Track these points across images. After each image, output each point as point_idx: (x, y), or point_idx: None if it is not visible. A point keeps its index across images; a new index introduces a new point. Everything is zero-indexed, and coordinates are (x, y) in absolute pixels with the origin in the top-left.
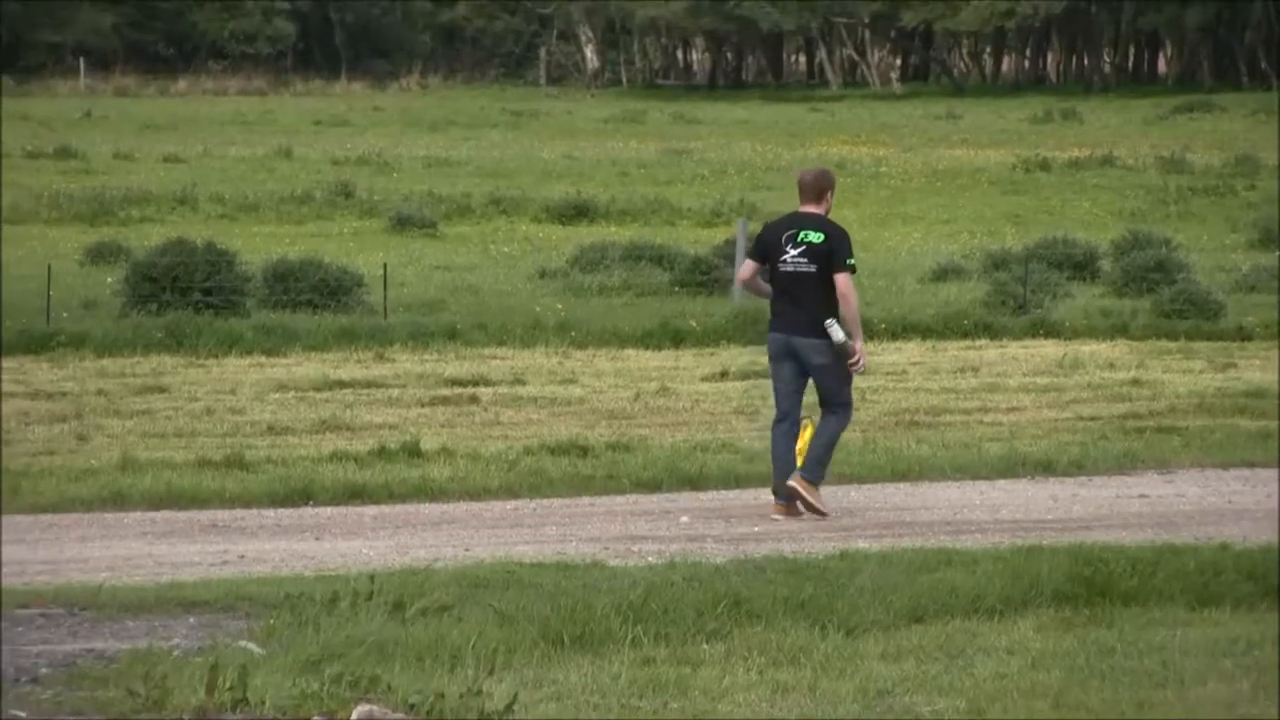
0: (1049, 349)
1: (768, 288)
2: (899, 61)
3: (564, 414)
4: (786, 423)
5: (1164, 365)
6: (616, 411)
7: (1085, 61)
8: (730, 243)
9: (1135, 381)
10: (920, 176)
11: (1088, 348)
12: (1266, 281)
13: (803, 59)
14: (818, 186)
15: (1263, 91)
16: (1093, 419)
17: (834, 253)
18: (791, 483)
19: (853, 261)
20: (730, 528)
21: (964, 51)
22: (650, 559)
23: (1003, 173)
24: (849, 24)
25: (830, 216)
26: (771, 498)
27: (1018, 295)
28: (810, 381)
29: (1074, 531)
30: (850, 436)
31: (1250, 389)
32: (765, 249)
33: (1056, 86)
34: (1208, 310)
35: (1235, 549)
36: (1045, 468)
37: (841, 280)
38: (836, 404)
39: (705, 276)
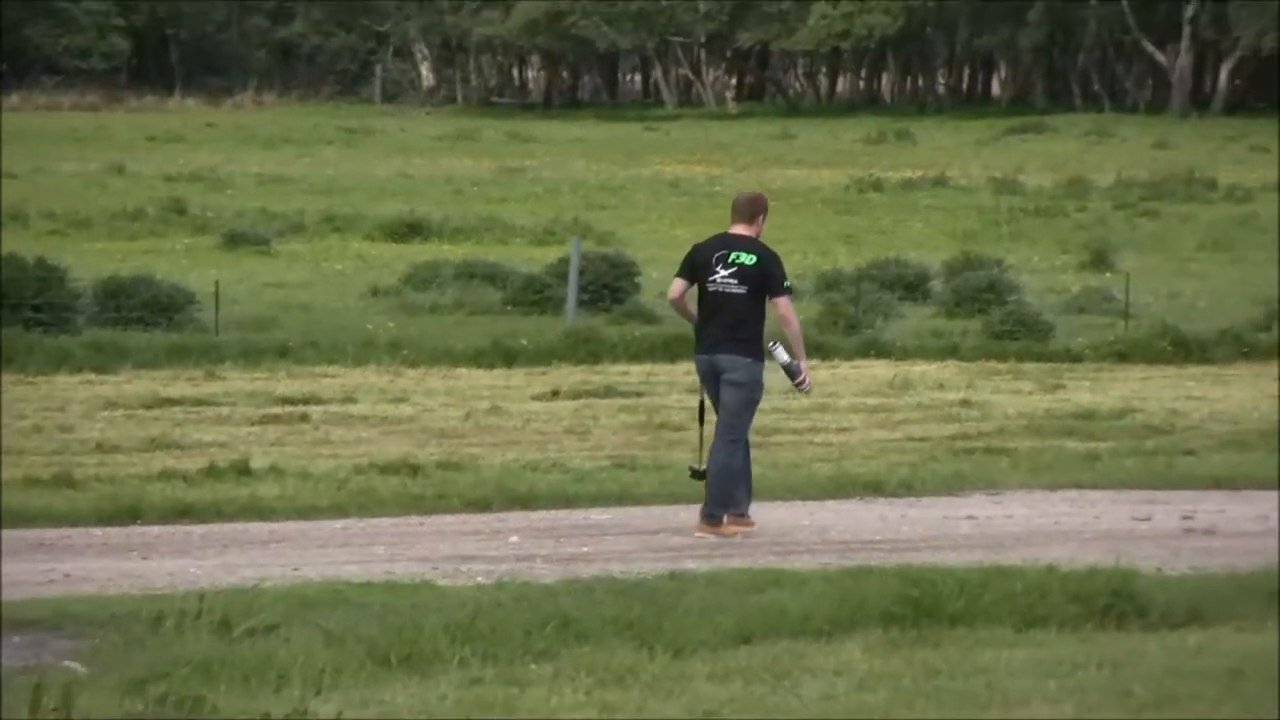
0: (880, 369)
1: (694, 312)
2: (734, 81)
3: (395, 433)
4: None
5: (994, 386)
6: (447, 430)
7: (919, 82)
8: (564, 261)
9: (965, 402)
10: None
11: (918, 368)
12: (1096, 303)
13: (638, 78)
14: (751, 209)
15: (1095, 113)
16: (922, 440)
17: (768, 276)
18: (698, 533)
19: (789, 284)
20: (559, 548)
21: (799, 71)
22: (479, 579)
23: (836, 193)
24: (685, 43)
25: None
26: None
27: (849, 315)
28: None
29: (902, 553)
30: (681, 456)
31: (1079, 411)
32: (694, 268)
33: (891, 107)
34: (1038, 332)
35: (1062, 571)
36: (874, 488)
37: (782, 303)
38: (730, 436)
39: (538, 295)
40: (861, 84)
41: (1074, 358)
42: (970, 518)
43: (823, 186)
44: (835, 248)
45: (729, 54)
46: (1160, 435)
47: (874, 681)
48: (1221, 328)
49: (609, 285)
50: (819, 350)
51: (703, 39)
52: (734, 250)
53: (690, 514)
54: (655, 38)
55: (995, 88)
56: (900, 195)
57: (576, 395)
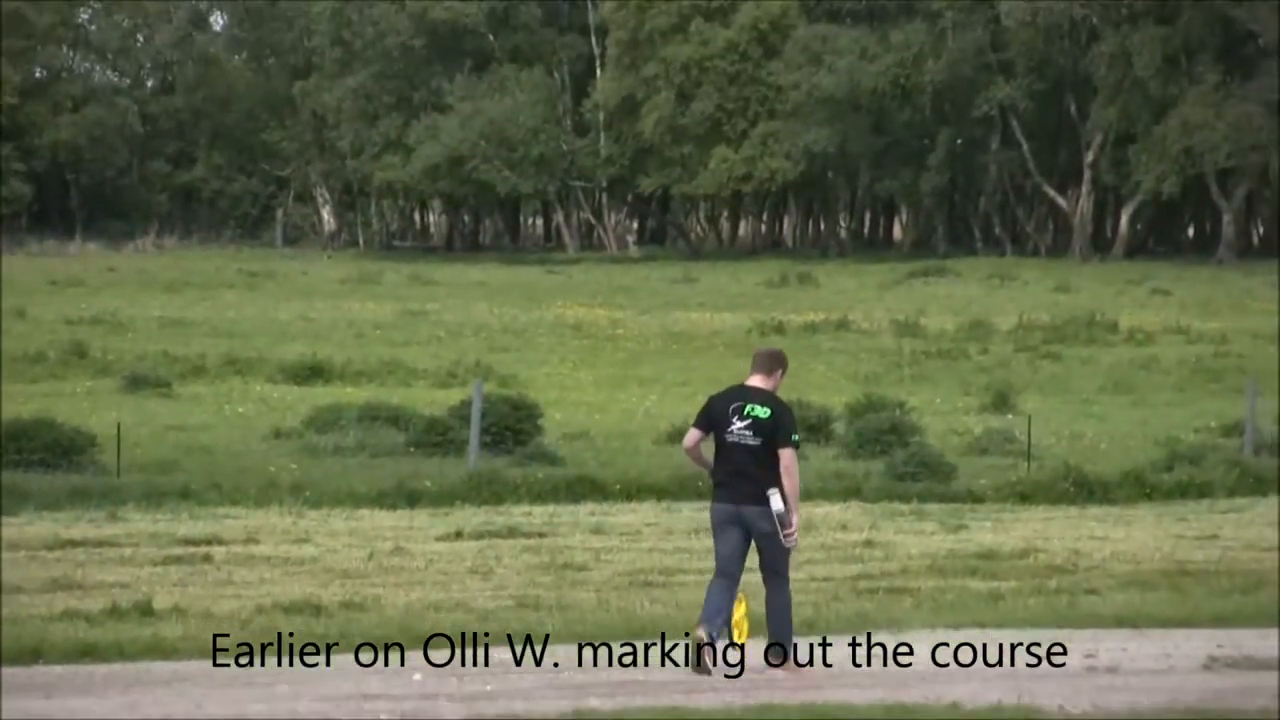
0: None
1: (709, 460)
2: (636, 225)
3: (297, 573)
4: (728, 580)
5: (896, 527)
6: (350, 571)
7: (821, 226)
8: (466, 403)
9: (868, 543)
10: (656, 339)
11: (821, 509)
12: (998, 445)
13: (540, 222)
14: (770, 363)
15: (997, 257)
16: (826, 579)
17: (778, 428)
18: (775, 670)
19: (797, 438)
20: (463, 686)
21: (701, 215)
22: (382, 717)
23: (739, 335)
24: (586, 188)
25: (777, 393)
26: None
27: None
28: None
29: (806, 691)
30: (584, 597)
31: (981, 550)
32: (711, 419)
33: (793, 250)
34: (940, 473)
35: (965, 708)
36: None
37: (786, 455)
38: (776, 575)
39: (441, 437)
40: (763, 228)
41: (976, 498)
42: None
43: (725, 329)
44: None
45: (630, 198)
46: (1062, 575)
47: None
48: (1123, 469)
49: (511, 427)
50: None
51: (604, 184)
52: (749, 403)
53: (593, 653)
54: (556, 182)
55: (897, 231)
56: (803, 338)
57: (479, 536)
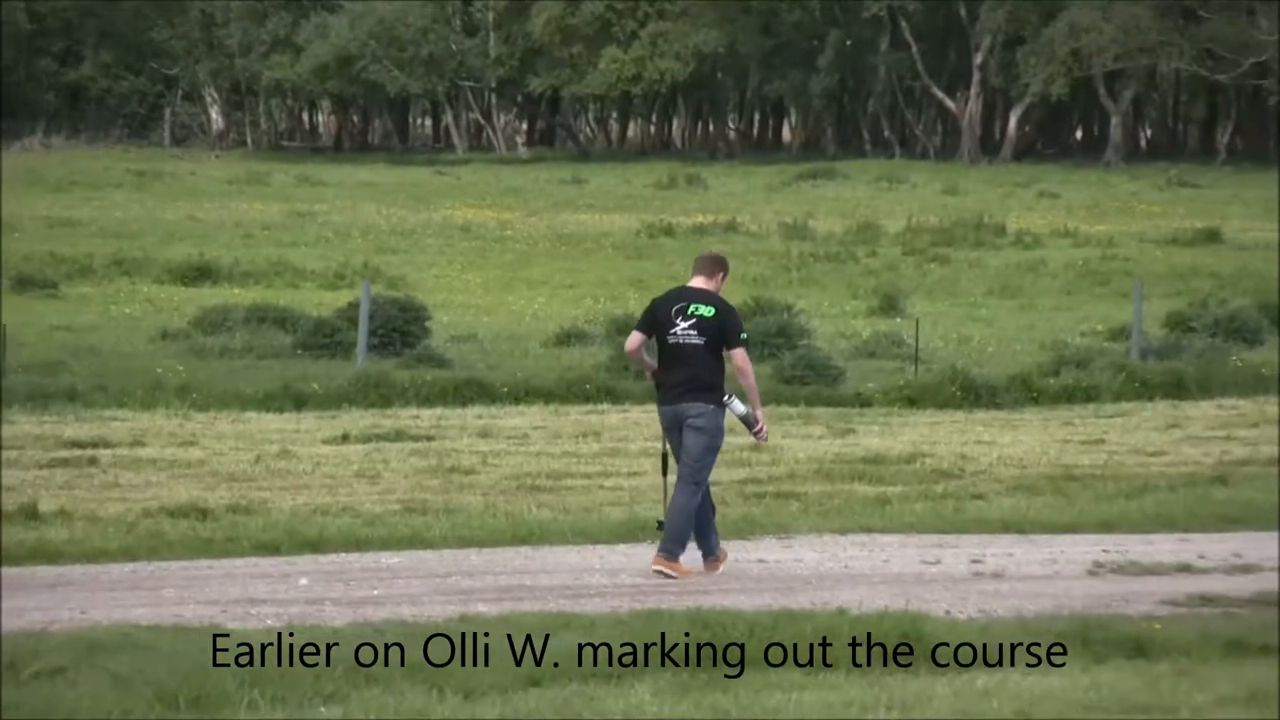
0: None
1: (652, 363)
2: (525, 126)
3: (184, 476)
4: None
5: (784, 431)
6: (237, 474)
7: (710, 128)
8: (354, 305)
9: (755, 447)
10: (545, 241)
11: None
12: (886, 349)
13: (429, 122)
14: (712, 266)
15: (885, 159)
16: (712, 484)
17: (725, 327)
18: (655, 566)
19: (745, 335)
20: (350, 591)
21: (590, 117)
22: (269, 622)
23: (627, 238)
24: (475, 88)
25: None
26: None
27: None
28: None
29: (693, 596)
30: (471, 501)
31: (868, 455)
32: (654, 321)
33: (682, 152)
34: (828, 377)
35: (851, 614)
36: None
37: (738, 355)
38: (692, 479)
39: (328, 339)
40: (652, 129)
41: (864, 402)
42: (760, 561)
43: (614, 231)
44: (626, 292)
45: (520, 99)
46: (949, 479)
47: None
48: (1010, 373)
49: (399, 329)
50: (610, 395)
51: (493, 84)
52: (693, 303)
53: (481, 557)
54: (446, 82)
55: (786, 133)
56: (691, 240)
57: (367, 439)
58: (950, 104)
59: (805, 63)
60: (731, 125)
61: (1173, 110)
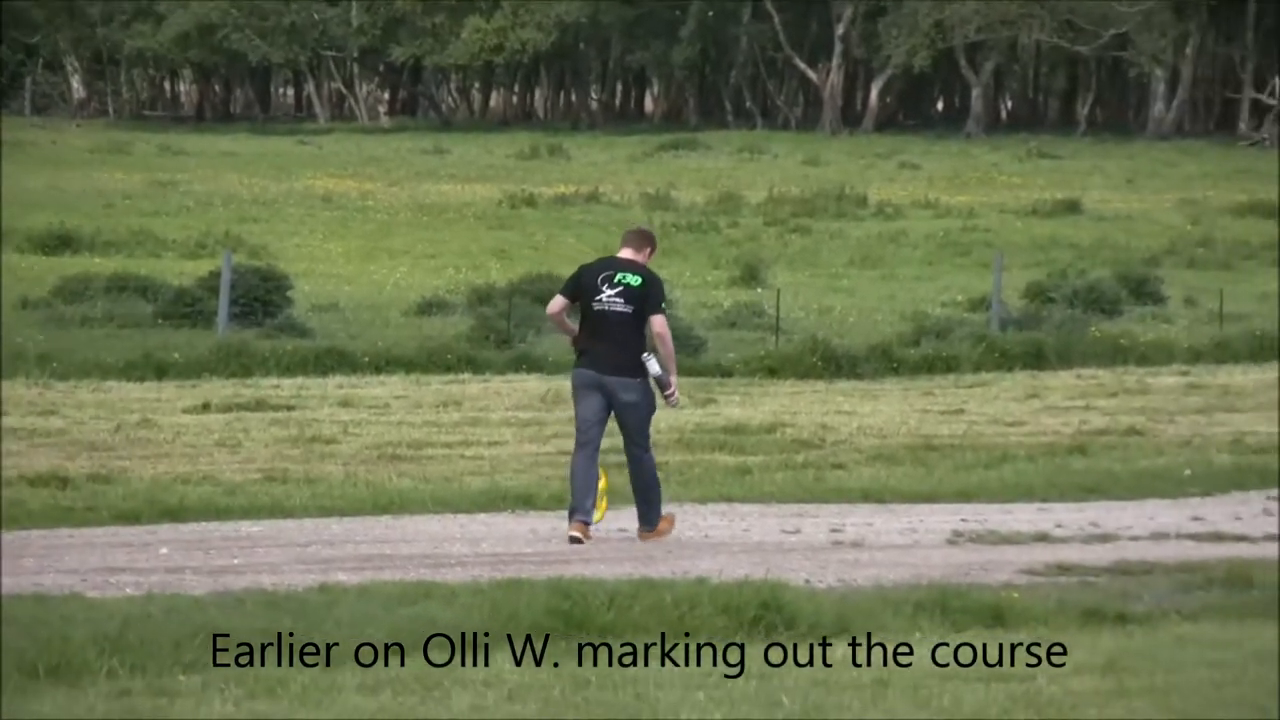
0: (532, 384)
1: (573, 327)
2: (387, 96)
3: (44, 445)
4: (590, 448)
5: None
6: (97, 443)
7: (573, 98)
8: (215, 275)
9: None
10: (407, 210)
11: (569, 383)
12: (747, 319)
13: (291, 92)
14: (641, 240)
15: (747, 130)
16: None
17: (649, 296)
18: (641, 540)
19: (665, 305)
20: (210, 560)
21: (453, 87)
22: (129, 591)
23: (489, 208)
24: (337, 58)
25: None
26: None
27: (501, 330)
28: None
29: (553, 565)
30: (332, 470)
31: (729, 425)
32: (579, 287)
33: (544, 122)
34: (689, 347)
35: (712, 583)
36: (526, 502)
37: (658, 321)
38: (638, 448)
39: (189, 309)
40: (515, 99)
41: (725, 372)
42: (621, 530)
43: (476, 201)
44: (488, 262)
45: (382, 68)
46: (810, 449)
47: (523, 693)
48: (871, 343)
49: (260, 299)
50: (471, 364)
51: (355, 53)
52: (620, 271)
53: (342, 526)
54: (308, 51)
55: (648, 104)
56: (553, 211)
57: (227, 409)
58: (812, 75)
59: (667, 33)
60: (594, 95)
61: (1033, 82)
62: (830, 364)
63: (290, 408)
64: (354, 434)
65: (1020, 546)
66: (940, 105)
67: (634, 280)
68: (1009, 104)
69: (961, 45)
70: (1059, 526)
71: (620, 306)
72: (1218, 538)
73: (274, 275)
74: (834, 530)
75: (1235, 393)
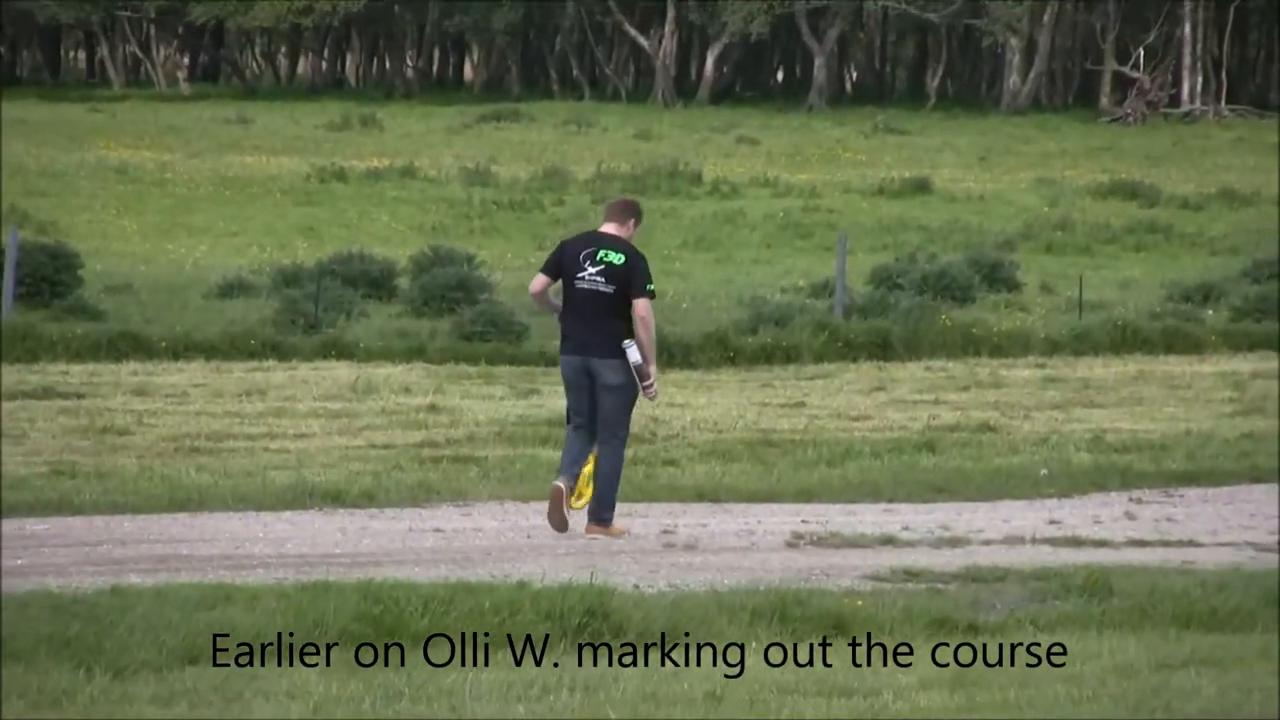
0: (342, 371)
1: (558, 304)
2: (187, 60)
3: None
4: (584, 431)
5: (463, 390)
6: None
7: (387, 65)
8: None
9: (433, 408)
10: (208, 184)
11: (383, 371)
12: None
13: (83, 55)
14: (623, 212)
15: (574, 101)
16: (386, 447)
17: (633, 276)
18: (589, 532)
19: (651, 287)
20: None
21: (257, 51)
22: None
23: (296, 182)
24: (133, 19)
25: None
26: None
27: (309, 314)
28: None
29: (364, 567)
30: (125, 463)
31: (553, 417)
32: (560, 265)
33: (356, 91)
34: (511, 333)
35: (534, 587)
36: (334, 498)
37: (641, 305)
38: (612, 435)
39: None
40: (324, 65)
41: (549, 361)
42: (437, 530)
43: (282, 175)
44: (294, 241)
45: (181, 31)
46: (640, 444)
47: (331, 705)
48: (706, 331)
49: (49, 278)
50: (276, 351)
51: (152, 14)
52: (603, 248)
53: (135, 524)
54: (100, 11)
55: (468, 72)
56: (365, 185)
57: (12, 396)
58: (644, 42)
59: None
60: (409, 62)
61: (880, 51)
62: (662, 353)
63: (80, 396)
64: (149, 425)
65: (865, 550)
66: (780, 76)
67: (616, 258)
68: (854, 75)
69: (803, 11)
70: (906, 529)
71: (603, 286)
72: (1076, 542)
73: (63, 253)
74: (666, 531)
75: (1095, 387)
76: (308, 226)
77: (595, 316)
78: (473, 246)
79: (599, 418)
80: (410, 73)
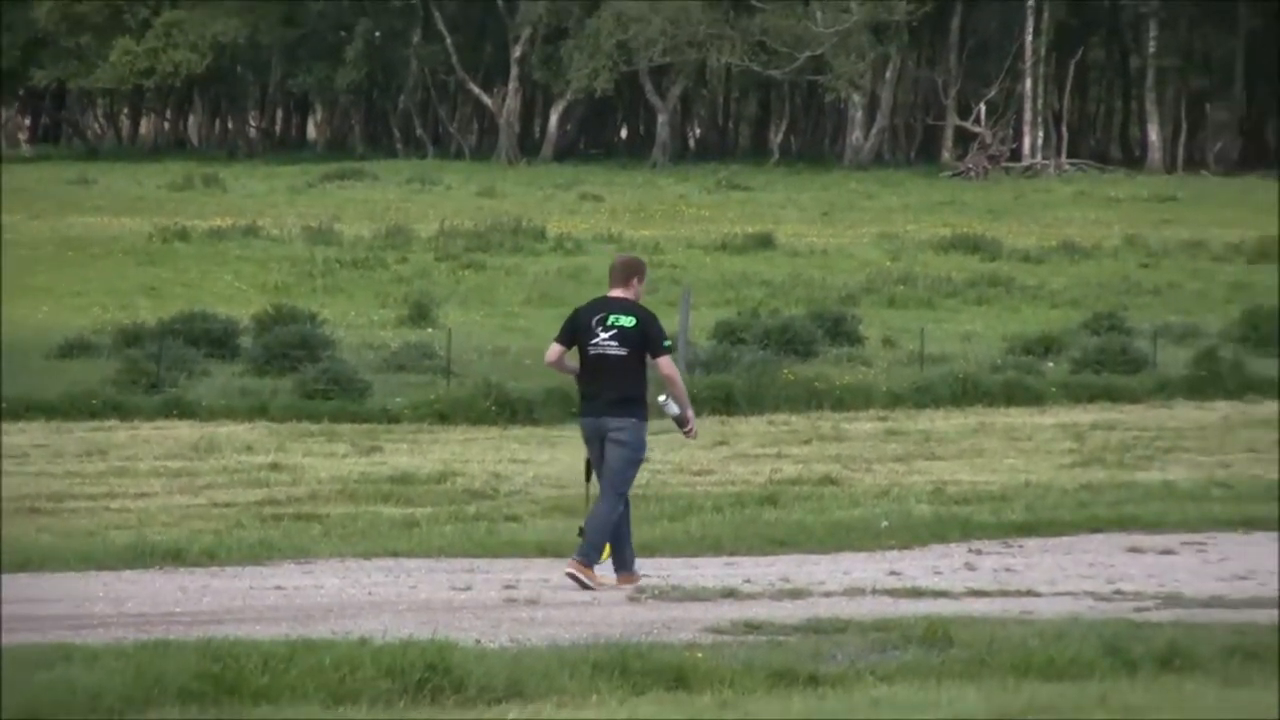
0: (184, 430)
1: (574, 365)
2: (28, 122)
3: None
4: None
5: (306, 448)
6: None
7: (230, 124)
8: None
9: (275, 466)
10: (49, 245)
11: (225, 429)
12: (417, 360)
13: None
14: (626, 272)
15: (417, 159)
16: (228, 505)
17: (647, 337)
18: (568, 570)
19: (669, 344)
20: None
21: (99, 112)
22: None
23: (139, 242)
24: None
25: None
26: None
27: (151, 373)
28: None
29: (204, 625)
30: None
31: (396, 474)
32: (574, 332)
33: (199, 150)
34: (354, 391)
35: (375, 643)
36: (175, 557)
37: (664, 363)
38: (612, 489)
39: None
40: (167, 125)
41: (392, 418)
42: (278, 588)
43: (124, 235)
44: (137, 300)
45: (22, 92)
46: (482, 500)
47: None
48: (548, 387)
49: None
50: (118, 410)
51: None
52: (612, 313)
53: None
54: None
55: (311, 131)
56: (208, 245)
57: None
58: (487, 100)
59: (331, 55)
60: (252, 122)
61: (723, 108)
62: (505, 409)
63: None
64: None
65: (706, 603)
66: (624, 133)
67: (627, 321)
68: (697, 131)
69: (646, 68)
70: (748, 582)
71: (615, 349)
72: (916, 593)
73: None
74: (507, 587)
75: (936, 439)
76: (150, 286)
77: (609, 379)
78: (316, 305)
79: (604, 470)
80: (253, 132)
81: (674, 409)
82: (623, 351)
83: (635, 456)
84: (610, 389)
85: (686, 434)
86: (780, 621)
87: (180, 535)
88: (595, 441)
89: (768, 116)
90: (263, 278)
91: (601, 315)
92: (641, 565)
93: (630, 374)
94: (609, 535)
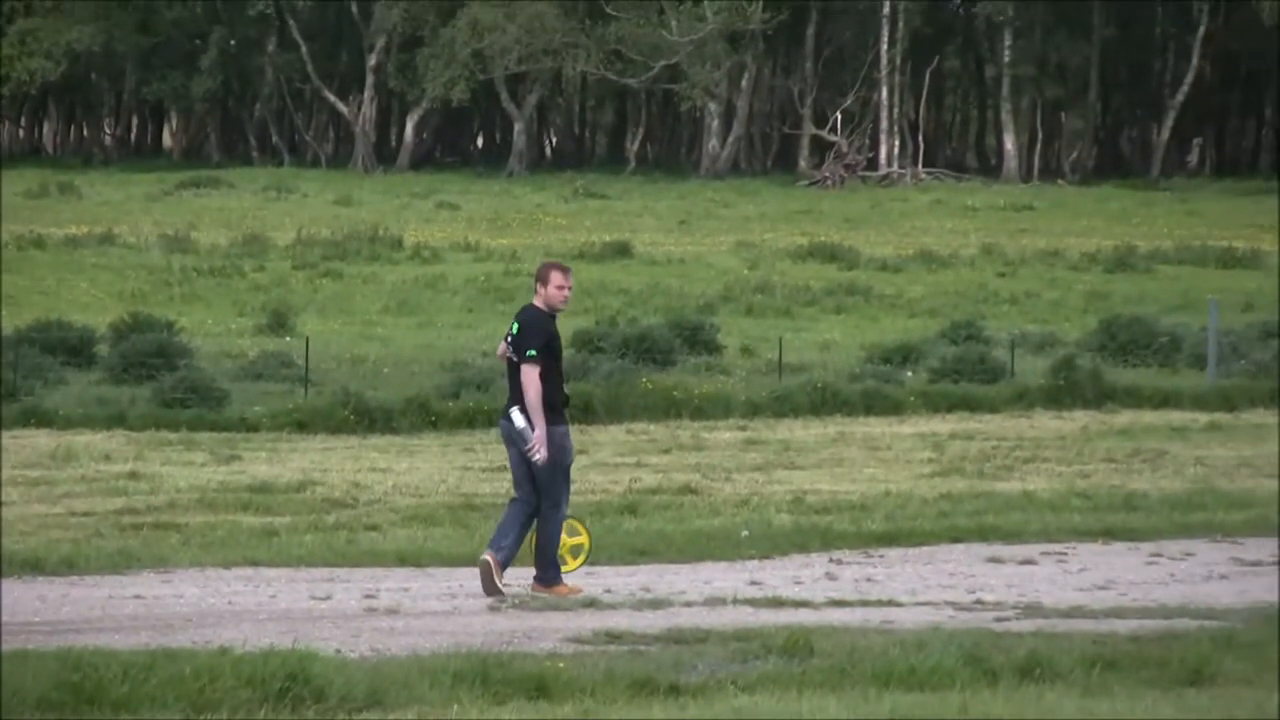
0: (41, 440)
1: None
2: None
3: None
4: (519, 503)
5: (164, 457)
6: None
7: (85, 132)
8: None
9: (133, 475)
10: None
11: (83, 438)
12: (275, 369)
13: None
14: (537, 277)
15: (274, 167)
16: (87, 514)
17: (517, 342)
18: (533, 591)
19: (533, 352)
20: None
21: None
22: None
23: None
24: None
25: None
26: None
27: (7, 382)
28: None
29: (63, 635)
30: None
31: (255, 483)
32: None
33: (54, 158)
34: (212, 399)
35: (235, 653)
36: (34, 566)
37: (523, 371)
38: (546, 501)
39: None
40: (21, 133)
41: (251, 427)
42: (138, 597)
43: None
44: None
45: None
46: (342, 509)
47: None
48: (407, 395)
49: None
50: None
51: None
52: (516, 319)
53: None
54: None
55: (167, 138)
56: (64, 253)
57: None
58: (343, 108)
59: (187, 63)
60: (107, 129)
61: (580, 116)
62: (364, 418)
63: None
64: None
65: (567, 613)
66: (481, 141)
67: (514, 327)
68: (554, 140)
69: (502, 77)
70: (608, 591)
71: (511, 355)
72: (777, 603)
73: None
74: (368, 596)
75: (796, 448)
76: (5, 294)
77: (511, 383)
78: (173, 313)
79: (536, 484)
80: (109, 140)
81: (520, 420)
82: (514, 356)
83: (551, 464)
84: (512, 393)
85: (527, 451)
86: (641, 631)
87: (38, 544)
88: (507, 444)
89: (624, 125)
90: (119, 286)
91: (513, 322)
92: (505, 574)
93: (519, 380)
94: (556, 545)
